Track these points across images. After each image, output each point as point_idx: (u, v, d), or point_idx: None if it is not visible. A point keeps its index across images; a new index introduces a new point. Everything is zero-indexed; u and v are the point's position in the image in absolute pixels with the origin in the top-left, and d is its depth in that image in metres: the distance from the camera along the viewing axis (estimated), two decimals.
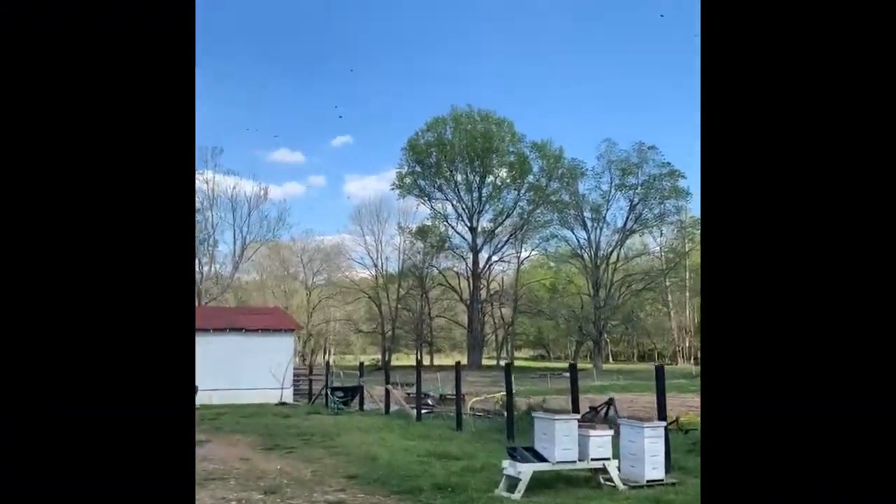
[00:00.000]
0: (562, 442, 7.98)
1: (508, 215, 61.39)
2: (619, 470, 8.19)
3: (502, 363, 56.67)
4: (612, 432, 8.56)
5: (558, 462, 7.96)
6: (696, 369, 50.74)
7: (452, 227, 63.15)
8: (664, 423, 8.95)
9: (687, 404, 24.70)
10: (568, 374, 13.04)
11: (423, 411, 17.56)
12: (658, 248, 66.69)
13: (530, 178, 61.06)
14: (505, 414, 14.19)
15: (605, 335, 60.83)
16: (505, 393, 15.01)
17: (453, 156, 60.64)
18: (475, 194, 62.03)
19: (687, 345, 70.67)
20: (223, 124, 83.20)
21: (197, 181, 50.50)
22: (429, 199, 62.82)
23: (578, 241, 59.29)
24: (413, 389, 20.37)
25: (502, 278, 67.40)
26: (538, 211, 59.74)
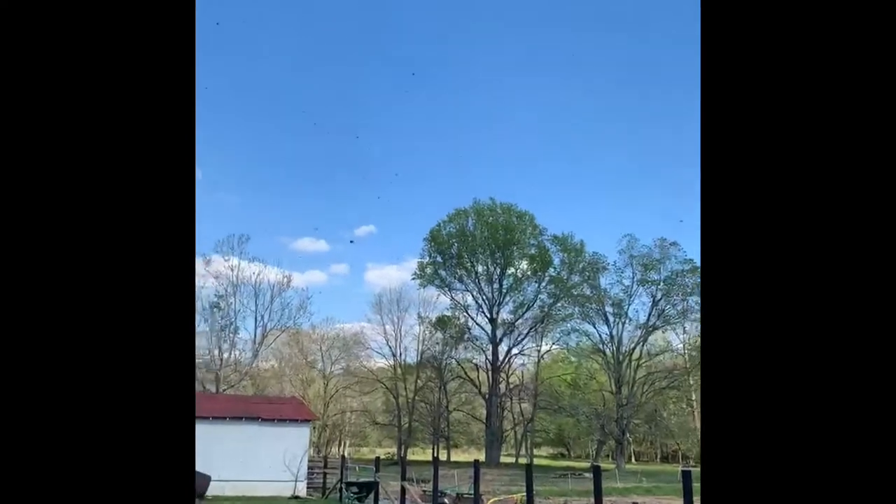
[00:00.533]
0: None
1: (529, 307, 61.14)
2: None
3: (521, 461, 55.00)
4: None
5: None
6: None
7: (472, 318, 62.92)
8: None
9: None
10: (589, 475, 12.60)
11: None
12: (681, 344, 65.65)
13: (551, 270, 61.18)
14: None
15: (628, 434, 59.06)
16: (524, 493, 14.50)
17: (474, 247, 61.18)
18: (496, 286, 62.11)
19: None
20: (251, 211, 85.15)
21: (223, 267, 51.34)
22: (449, 290, 62.97)
23: (600, 335, 58.65)
24: (429, 486, 19.77)
25: (522, 372, 66.39)
26: (559, 304, 59.47)
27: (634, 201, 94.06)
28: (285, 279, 55.20)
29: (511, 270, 62.20)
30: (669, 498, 29.07)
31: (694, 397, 64.03)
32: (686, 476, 9.91)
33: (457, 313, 63.15)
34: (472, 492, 16.37)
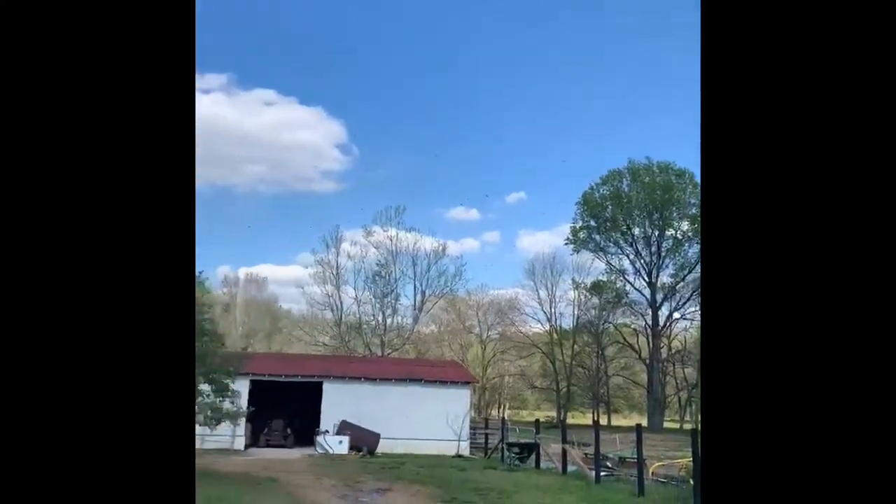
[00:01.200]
0: None
1: (691, 270, 58.50)
2: None
3: (686, 426, 53.26)
4: None
5: None
6: None
7: (630, 283, 61.33)
8: None
9: None
10: None
11: (602, 473, 16.92)
12: None
13: None
14: (691, 482, 13.30)
15: None
16: (690, 459, 14.10)
17: (630, 209, 59.31)
18: (654, 248, 59.98)
19: None
20: (404, 184, 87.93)
21: (381, 237, 53.61)
22: (604, 254, 61.65)
23: None
24: (590, 450, 19.73)
25: (685, 336, 63.90)
26: None
27: None
28: (440, 247, 56.68)
29: (670, 232, 59.73)
30: None
31: None
32: None
33: (613, 278, 61.80)
34: (635, 456, 16.16)
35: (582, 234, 61.66)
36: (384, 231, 54.87)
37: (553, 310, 62.89)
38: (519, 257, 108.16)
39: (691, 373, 60.39)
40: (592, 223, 61.48)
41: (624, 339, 61.25)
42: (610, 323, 61.68)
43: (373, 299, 53.55)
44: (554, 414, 62.29)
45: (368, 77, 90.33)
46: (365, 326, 52.49)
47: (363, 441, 23.30)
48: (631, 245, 60.67)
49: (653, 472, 17.91)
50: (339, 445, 23.00)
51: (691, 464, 14.11)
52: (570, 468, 18.49)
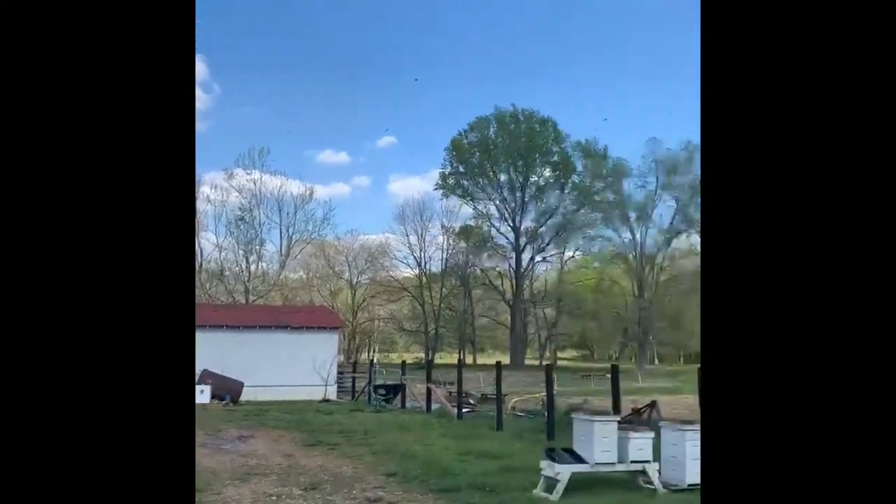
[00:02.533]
0: (601, 443, 7.91)
1: (552, 215, 61.00)
2: (659, 473, 8.09)
3: (546, 363, 56.40)
4: (652, 434, 8.45)
5: (597, 464, 7.89)
6: None
7: (495, 227, 63.11)
8: None
9: None
10: (609, 376, 12.92)
11: (464, 410, 17.60)
12: None
13: (574, 177, 60.59)
14: (546, 414, 14.13)
15: (651, 337, 59.88)
16: (545, 393, 14.94)
17: (497, 156, 60.57)
18: (518, 194, 61.81)
19: None
20: (269, 126, 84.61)
21: (245, 181, 51.53)
22: (472, 199, 62.87)
23: (623, 241, 58.57)
24: (455, 388, 20.42)
25: (545, 278, 67.00)
26: (582, 211, 59.22)
27: (660, 104, 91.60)
28: (308, 191, 55.49)
29: (534, 178, 61.74)
30: (691, 396, 29.75)
31: None
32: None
33: (480, 222, 63.32)
34: (496, 392, 16.90)
35: (451, 180, 62.41)
36: (247, 174, 52.82)
37: (423, 254, 63.71)
38: (390, 202, 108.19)
39: (551, 313, 63.59)
40: (461, 169, 62.32)
41: (489, 281, 63.27)
42: (476, 266, 63.38)
43: (235, 245, 51.80)
44: (423, 355, 63.77)
45: (234, 11, 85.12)
46: (227, 273, 50.78)
47: (226, 389, 22.79)
48: (497, 191, 62.19)
49: (512, 407, 18.85)
50: (200, 395, 22.36)
51: (546, 397, 14.95)
52: (435, 406, 19.08)
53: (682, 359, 78.39)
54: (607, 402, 16.18)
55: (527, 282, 63.07)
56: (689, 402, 26.56)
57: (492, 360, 41.62)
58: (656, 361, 69.49)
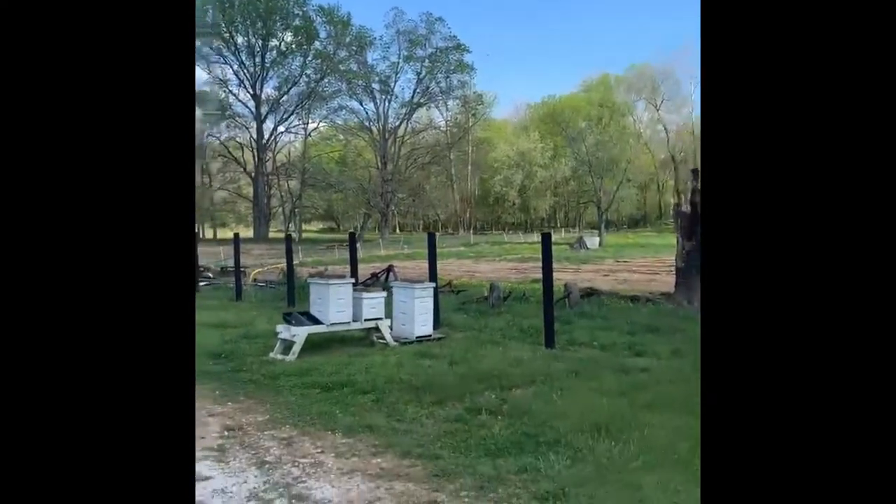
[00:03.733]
0: (336, 304, 8.19)
1: (294, 83, 58.86)
2: (391, 328, 8.65)
3: (287, 234, 56.14)
4: (384, 294, 8.95)
5: (333, 324, 8.20)
6: (475, 238, 54.22)
7: (234, 94, 59.36)
8: (433, 284, 9.52)
9: (464, 268, 26.52)
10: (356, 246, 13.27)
11: (200, 283, 17.01)
12: (443, 122, 68.21)
13: (317, 44, 58.52)
14: (287, 283, 14.22)
15: (393, 207, 62.29)
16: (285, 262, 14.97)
17: (233, 15, 55.97)
18: (258, 59, 58.33)
19: (468, 216, 74.82)
20: None
21: None
22: (206, 62, 57.96)
23: (367, 113, 58.83)
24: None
25: (289, 150, 65.50)
26: (325, 80, 57.90)
27: None
28: None
29: (274, 42, 58.46)
30: (425, 260, 31.92)
31: (453, 171, 68.32)
32: (431, 237, 10.84)
33: (216, 88, 58.98)
34: (234, 264, 16.52)
35: None
36: None
37: None
38: None
39: (295, 185, 62.81)
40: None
41: (229, 152, 60.19)
42: (214, 136, 59.71)
43: None
44: None
45: None
46: None
47: None
48: (234, 54, 58.02)
49: (253, 279, 18.66)
50: None
51: (286, 266, 15.00)
52: None
53: (421, 227, 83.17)
54: (347, 270, 16.76)
55: (270, 154, 61.08)
56: (425, 266, 28.59)
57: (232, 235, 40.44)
58: (398, 231, 72.95)
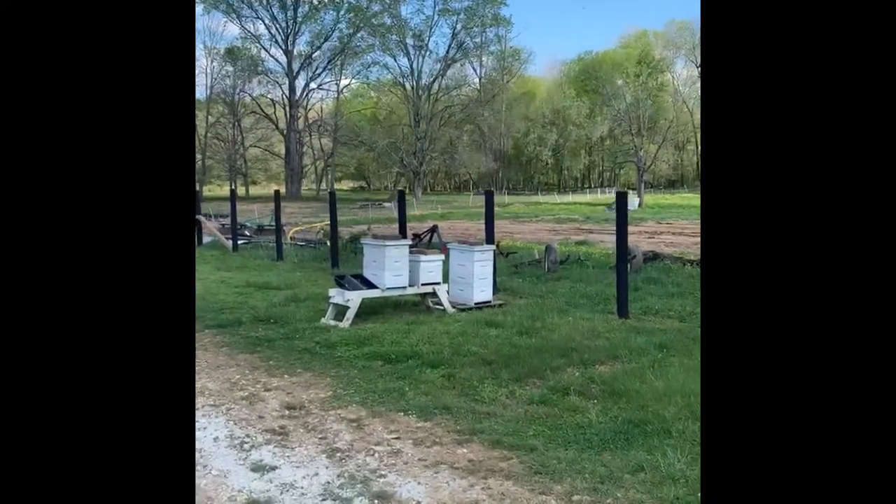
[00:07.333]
0: (392, 268, 7.62)
1: (327, 38, 57.76)
2: (448, 293, 8.07)
3: (322, 194, 55.77)
4: (443, 257, 8.35)
5: (388, 288, 7.64)
6: (508, 198, 53.32)
7: (266, 50, 58.49)
8: (493, 247, 8.90)
9: (503, 230, 25.87)
10: (388, 205, 12.67)
11: (239, 242, 16.59)
12: (478, 78, 66.70)
13: None
14: (328, 243, 13.70)
15: (424, 166, 61.42)
16: (328, 222, 14.43)
17: None
18: (290, 13, 57.21)
19: (500, 175, 73.59)
20: None
21: None
22: (238, 17, 57.05)
23: (400, 69, 57.62)
24: (227, 221, 19.17)
25: (321, 107, 64.66)
26: (358, 35, 56.69)
27: None
28: None
29: None
30: (462, 221, 31.37)
31: (486, 129, 66.99)
32: (488, 196, 10.11)
33: (248, 44, 58.19)
34: (274, 223, 16.05)
35: None
36: None
37: None
38: None
39: (327, 143, 62.21)
40: None
41: (261, 109, 59.62)
42: (246, 93, 59.12)
43: None
44: None
45: None
46: None
47: None
48: (266, 9, 56.96)
49: (291, 237, 18.18)
50: None
51: (328, 226, 14.45)
52: (207, 240, 17.79)
53: (452, 187, 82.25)
54: (388, 230, 16.18)
55: (301, 110, 60.37)
56: (464, 226, 27.99)
57: (266, 192, 39.98)
58: (428, 190, 72.16)
